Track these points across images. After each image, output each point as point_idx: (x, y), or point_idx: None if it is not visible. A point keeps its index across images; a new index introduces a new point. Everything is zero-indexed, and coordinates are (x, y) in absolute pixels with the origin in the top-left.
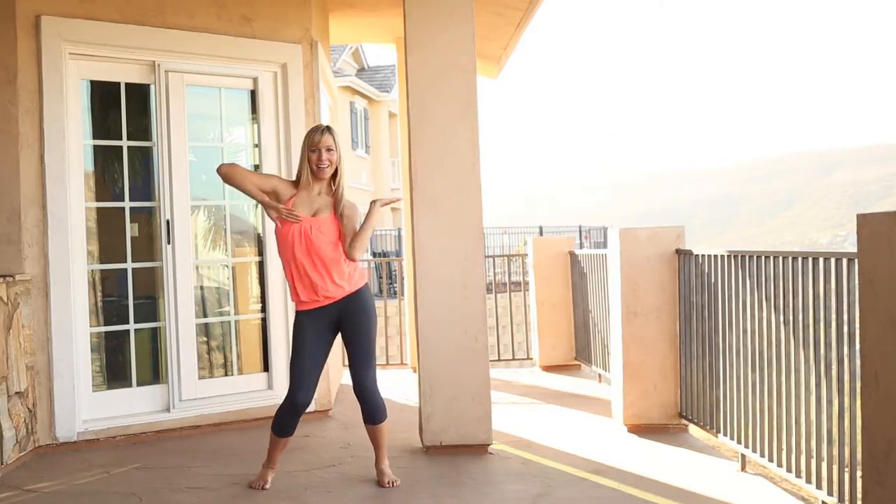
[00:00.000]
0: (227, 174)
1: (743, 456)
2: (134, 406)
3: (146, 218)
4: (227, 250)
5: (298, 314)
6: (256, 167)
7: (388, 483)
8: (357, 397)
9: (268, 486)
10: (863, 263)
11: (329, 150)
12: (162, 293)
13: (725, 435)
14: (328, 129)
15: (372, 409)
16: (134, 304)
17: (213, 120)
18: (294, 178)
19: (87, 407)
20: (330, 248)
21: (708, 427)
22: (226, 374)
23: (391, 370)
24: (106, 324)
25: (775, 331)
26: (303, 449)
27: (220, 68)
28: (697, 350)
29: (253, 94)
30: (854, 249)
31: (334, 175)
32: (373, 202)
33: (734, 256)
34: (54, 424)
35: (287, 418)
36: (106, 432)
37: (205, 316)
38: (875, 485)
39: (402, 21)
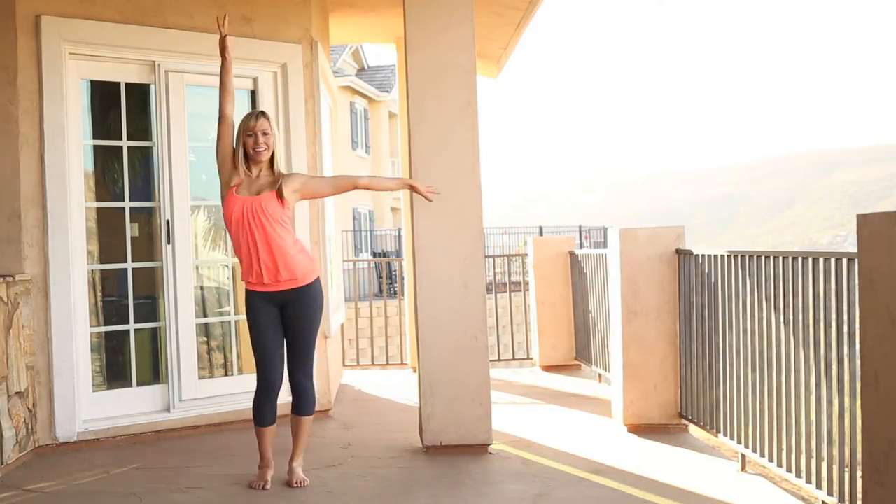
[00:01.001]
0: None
1: (743, 456)
2: (134, 406)
3: (146, 218)
4: (227, 250)
5: (249, 294)
6: None
7: (297, 483)
8: (291, 388)
9: (268, 487)
10: (863, 263)
11: (265, 133)
12: (162, 293)
13: (725, 435)
14: (262, 113)
15: (301, 402)
16: (134, 304)
17: (213, 120)
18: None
19: (87, 407)
20: (277, 227)
21: (708, 427)
22: (226, 374)
23: (391, 370)
24: (106, 324)
25: (775, 331)
26: None
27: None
28: (697, 350)
29: (253, 94)
30: (854, 249)
31: (271, 160)
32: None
33: (734, 256)
34: (54, 424)
35: (263, 402)
36: (106, 432)
37: (205, 316)
38: (875, 485)
39: (402, 21)
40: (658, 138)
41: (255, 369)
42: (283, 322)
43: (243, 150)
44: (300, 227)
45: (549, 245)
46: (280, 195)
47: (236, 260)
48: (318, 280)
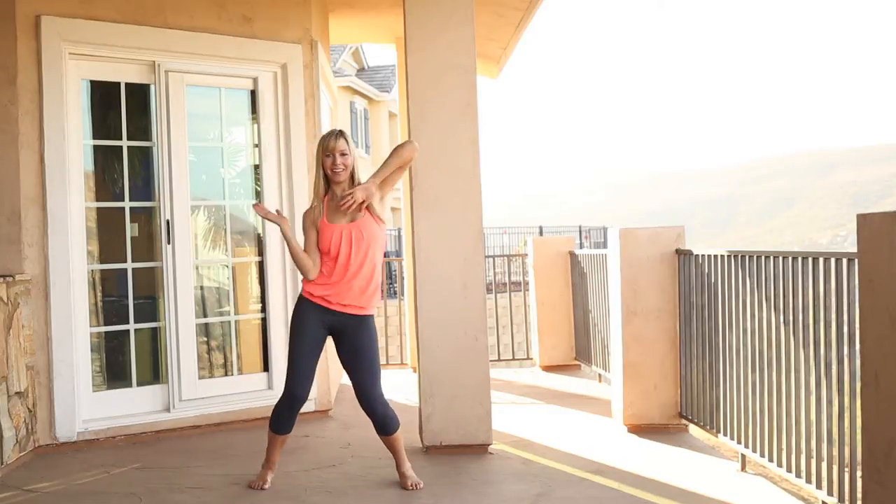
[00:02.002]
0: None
1: (743, 456)
2: (134, 406)
3: (146, 218)
4: (227, 250)
5: (304, 303)
6: (256, 167)
7: (412, 486)
8: (367, 413)
9: (267, 486)
10: (863, 263)
11: (343, 154)
12: (162, 293)
13: (725, 435)
14: (341, 132)
15: (383, 423)
16: (134, 304)
17: (213, 120)
18: (312, 193)
19: (87, 407)
20: (377, 250)
21: (708, 427)
22: (226, 374)
23: (391, 370)
24: (106, 324)
25: (775, 331)
26: (303, 449)
27: (220, 68)
28: (697, 350)
29: (253, 94)
30: (854, 249)
31: (351, 179)
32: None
33: (734, 256)
34: (54, 424)
35: (284, 413)
36: (106, 432)
37: (205, 316)
38: (875, 485)
39: (402, 21)
40: (658, 138)
41: (255, 369)
42: (339, 347)
43: (323, 170)
44: (300, 227)
45: (549, 245)
46: (373, 214)
47: (236, 260)
48: (372, 317)
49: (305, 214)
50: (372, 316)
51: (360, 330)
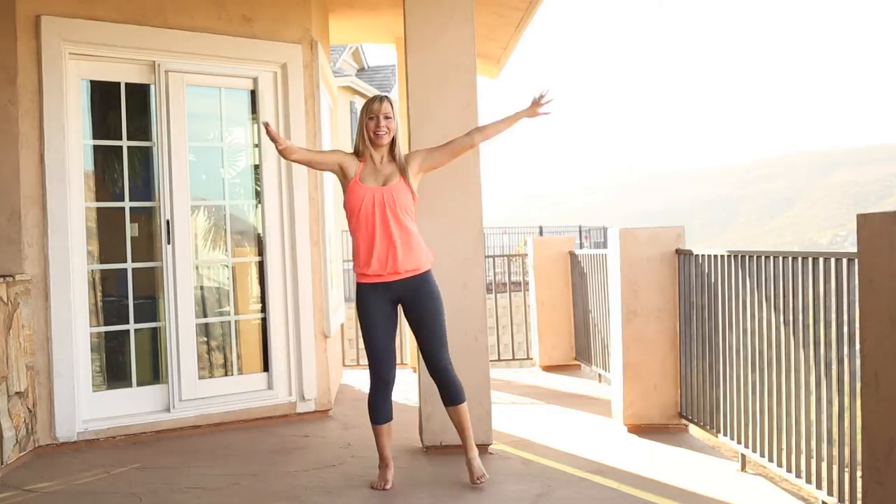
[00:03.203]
0: (295, 161)
1: (743, 456)
2: (134, 406)
3: (146, 218)
4: (227, 250)
5: (361, 288)
6: (256, 167)
7: (478, 478)
8: (435, 380)
9: (388, 486)
10: (863, 263)
11: (387, 117)
12: (162, 293)
13: (725, 435)
14: (386, 97)
15: (452, 391)
16: (134, 304)
17: (213, 120)
18: (352, 150)
19: (87, 407)
20: (405, 219)
21: (708, 427)
22: (226, 374)
23: None
24: (106, 324)
25: (775, 331)
26: (303, 449)
27: (220, 68)
28: (697, 350)
29: (253, 94)
30: (854, 249)
31: (392, 145)
32: (535, 102)
33: (734, 256)
34: (54, 424)
35: (379, 400)
36: (106, 432)
37: (205, 316)
38: (875, 485)
39: (402, 21)
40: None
41: (255, 369)
42: (406, 315)
43: (366, 133)
44: (300, 228)
45: (549, 245)
46: (408, 183)
47: (236, 260)
48: (430, 271)
49: (342, 151)
50: (430, 273)
51: (422, 292)
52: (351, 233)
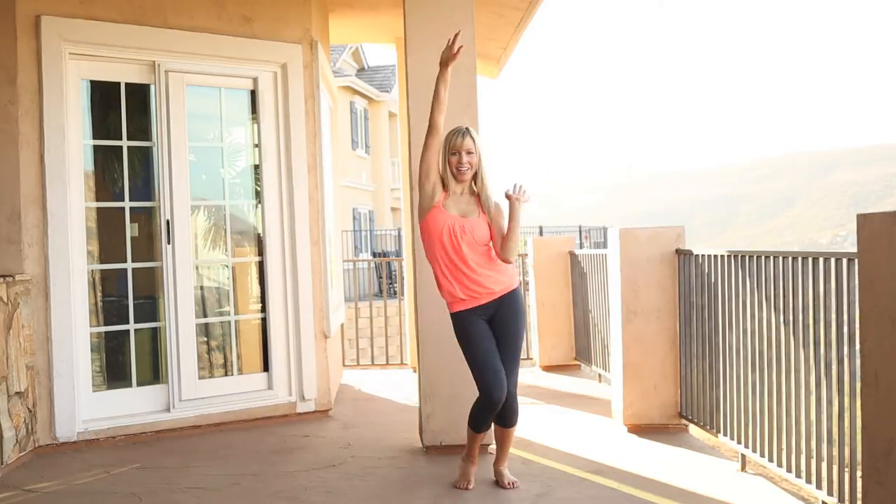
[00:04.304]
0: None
1: (743, 456)
2: (134, 406)
3: (146, 218)
4: (227, 250)
5: (458, 315)
6: (256, 167)
7: (509, 484)
8: None
9: (471, 486)
10: (863, 263)
11: (469, 152)
12: (162, 293)
13: (725, 435)
14: (468, 130)
15: (509, 414)
16: (134, 304)
17: (213, 120)
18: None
19: (87, 407)
20: (481, 249)
21: (708, 427)
22: (226, 374)
23: (391, 370)
24: (106, 324)
25: (775, 331)
26: (303, 449)
27: (220, 68)
28: (697, 350)
29: (253, 94)
30: (854, 249)
31: (474, 178)
32: (509, 197)
33: (734, 256)
34: (54, 424)
35: (485, 415)
36: (106, 432)
37: (205, 316)
38: (875, 485)
39: (402, 21)
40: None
41: (255, 369)
42: (495, 333)
43: (448, 168)
44: (300, 228)
45: (549, 245)
46: (489, 218)
47: (236, 260)
48: (520, 286)
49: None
50: (519, 290)
51: (511, 313)
52: (430, 262)
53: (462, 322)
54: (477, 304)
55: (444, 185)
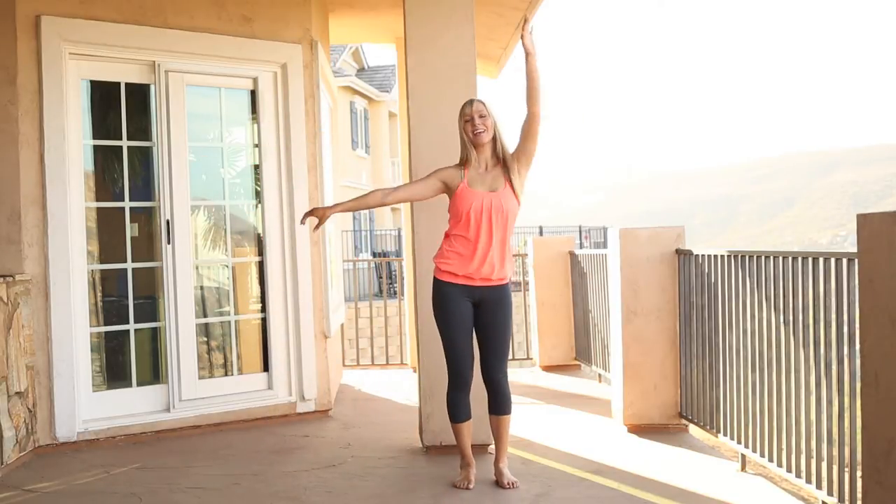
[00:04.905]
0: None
1: (743, 456)
2: (134, 406)
3: (146, 218)
4: (227, 250)
5: (445, 286)
6: (256, 167)
7: (508, 484)
8: (487, 388)
9: (472, 486)
10: (863, 263)
11: (482, 116)
12: (162, 293)
13: (725, 435)
14: (477, 99)
15: (502, 400)
16: (134, 304)
17: (213, 120)
18: (458, 160)
19: (87, 407)
20: (510, 225)
21: (708, 427)
22: (226, 374)
23: (391, 370)
24: (106, 324)
25: (775, 331)
26: (303, 449)
27: (220, 68)
28: (697, 350)
29: (253, 94)
30: (854, 249)
31: (494, 145)
32: (523, 38)
33: (734, 256)
34: (54, 424)
35: (459, 398)
36: (106, 432)
37: (205, 316)
38: (875, 485)
39: (402, 21)
40: (658, 138)
41: (255, 369)
42: (477, 320)
43: (466, 137)
44: (300, 228)
45: (549, 245)
46: (514, 188)
47: (236, 260)
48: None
49: (442, 168)
50: (509, 284)
51: (500, 303)
52: (448, 232)
53: (447, 297)
54: (466, 284)
55: (466, 161)
